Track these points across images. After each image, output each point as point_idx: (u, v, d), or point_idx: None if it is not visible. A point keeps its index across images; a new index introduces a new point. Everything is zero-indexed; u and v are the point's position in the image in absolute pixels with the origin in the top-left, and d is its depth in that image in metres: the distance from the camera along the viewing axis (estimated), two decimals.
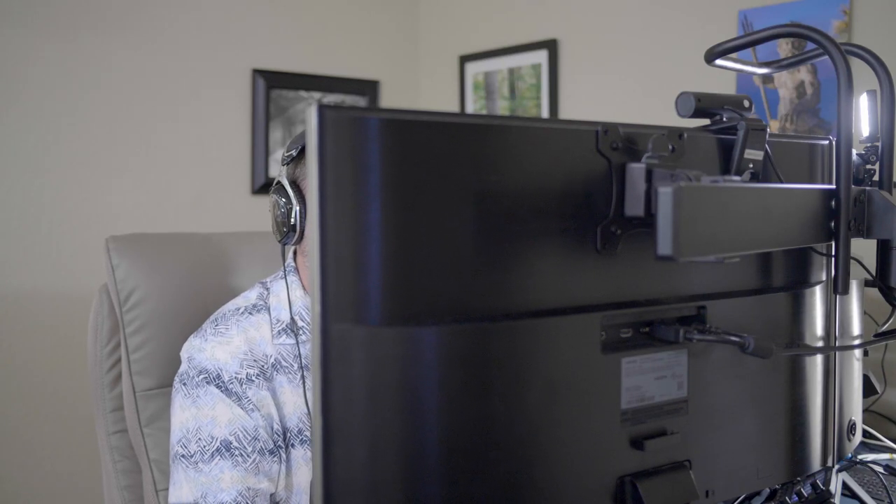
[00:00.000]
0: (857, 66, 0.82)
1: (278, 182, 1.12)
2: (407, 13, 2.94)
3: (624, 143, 0.64)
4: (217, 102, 2.48)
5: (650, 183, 0.61)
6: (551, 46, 2.49)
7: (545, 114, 2.54)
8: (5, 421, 2.14)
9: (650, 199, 0.61)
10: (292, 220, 1.11)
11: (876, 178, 1.12)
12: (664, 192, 0.54)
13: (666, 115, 1.97)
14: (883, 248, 0.81)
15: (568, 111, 2.49)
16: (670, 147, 0.65)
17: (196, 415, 1.07)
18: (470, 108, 2.78)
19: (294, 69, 2.64)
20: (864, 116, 1.17)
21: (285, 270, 1.19)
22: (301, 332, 1.15)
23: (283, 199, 1.10)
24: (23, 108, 2.15)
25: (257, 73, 2.55)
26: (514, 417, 0.58)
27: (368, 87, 2.82)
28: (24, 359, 2.16)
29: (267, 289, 1.20)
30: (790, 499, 0.84)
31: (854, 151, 0.91)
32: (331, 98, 2.74)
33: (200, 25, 2.44)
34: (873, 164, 1.14)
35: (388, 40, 2.89)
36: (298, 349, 1.14)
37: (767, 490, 0.86)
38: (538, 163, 0.60)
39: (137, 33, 2.32)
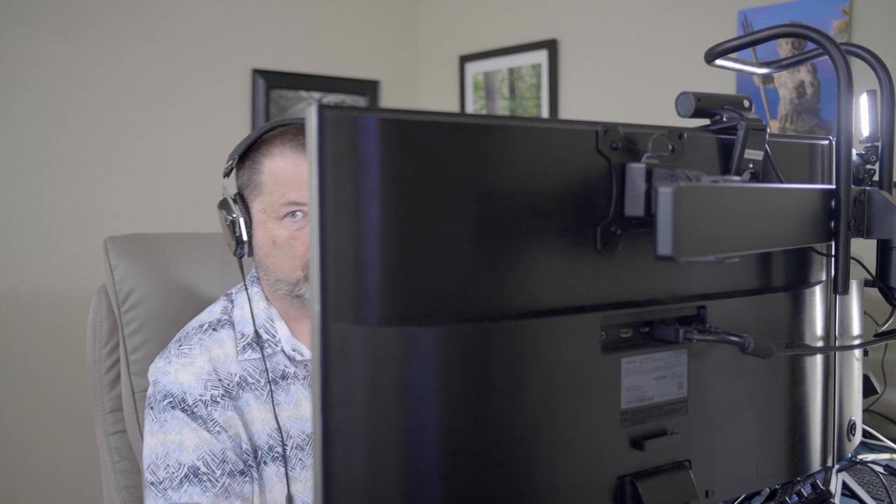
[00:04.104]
0: (857, 66, 0.82)
1: (224, 196, 1.12)
2: (407, 13, 2.94)
3: (624, 143, 0.64)
4: (217, 102, 2.48)
5: (650, 183, 0.61)
6: (551, 46, 2.49)
7: (545, 114, 2.54)
8: (5, 421, 2.14)
9: (650, 199, 0.61)
10: (237, 232, 1.10)
11: (876, 178, 1.12)
12: (664, 192, 0.54)
13: (666, 115, 1.97)
14: (883, 248, 0.81)
15: (568, 111, 2.49)
16: (670, 147, 0.65)
17: (163, 440, 1.06)
18: (470, 108, 2.78)
19: (294, 69, 2.64)
20: (864, 116, 1.17)
21: (245, 283, 1.17)
22: (266, 345, 1.13)
23: (227, 212, 1.10)
24: (22, 108, 2.14)
25: (257, 73, 2.55)
26: (514, 417, 0.58)
27: (368, 87, 2.82)
28: (24, 358, 2.16)
29: (231, 301, 1.18)
30: (790, 499, 0.84)
31: (854, 151, 0.91)
32: (331, 98, 2.74)
33: (200, 25, 2.44)
34: (873, 164, 1.14)
35: (388, 40, 2.89)
36: (264, 363, 1.11)
37: (767, 490, 0.86)
38: (538, 163, 0.60)
39: (137, 33, 2.32)
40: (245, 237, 1.11)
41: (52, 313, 2.19)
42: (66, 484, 2.21)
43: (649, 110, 2.23)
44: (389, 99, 2.88)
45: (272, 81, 2.58)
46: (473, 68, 2.76)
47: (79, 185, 2.23)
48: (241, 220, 1.10)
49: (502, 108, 2.68)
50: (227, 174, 1.13)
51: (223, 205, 1.12)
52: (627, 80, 2.32)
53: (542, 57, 2.53)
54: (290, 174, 1.08)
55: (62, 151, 2.21)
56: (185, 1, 2.41)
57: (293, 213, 1.08)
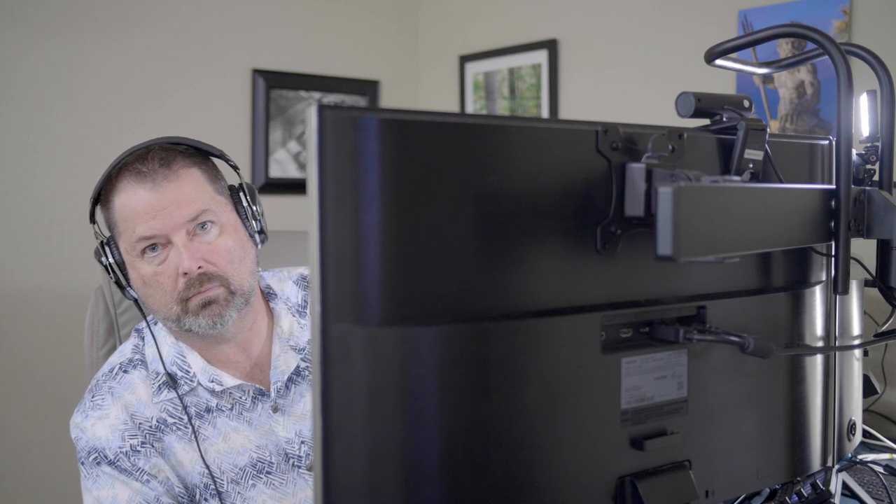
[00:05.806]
0: (857, 66, 0.82)
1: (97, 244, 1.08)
2: (407, 13, 2.94)
3: (624, 143, 0.64)
4: (217, 102, 2.48)
5: (650, 183, 0.61)
6: (551, 46, 2.49)
7: (545, 114, 2.53)
8: (4, 420, 2.14)
9: (650, 199, 0.61)
10: (113, 278, 1.07)
11: (876, 178, 1.12)
12: (664, 192, 0.54)
13: (666, 115, 1.97)
14: (883, 248, 0.81)
15: (568, 111, 2.49)
16: (670, 147, 0.65)
17: (98, 497, 1.04)
18: (470, 108, 2.78)
19: (294, 69, 2.64)
20: (864, 116, 1.17)
21: (148, 323, 1.13)
22: (182, 382, 1.09)
23: (101, 257, 1.07)
24: (21, 108, 2.14)
25: (257, 73, 2.55)
26: (513, 417, 0.58)
27: (368, 87, 2.82)
28: (24, 358, 2.16)
29: (142, 338, 1.14)
30: (790, 499, 0.84)
31: (854, 151, 0.91)
32: (331, 98, 2.74)
33: (200, 25, 2.44)
34: (873, 164, 1.14)
35: (388, 40, 2.89)
36: (182, 402, 1.08)
37: (767, 490, 0.86)
38: (538, 163, 0.60)
39: (138, 33, 2.32)
40: (124, 281, 1.07)
41: (53, 313, 2.19)
42: (63, 483, 2.21)
43: (649, 110, 2.23)
44: (389, 99, 2.88)
45: (272, 81, 2.58)
46: (473, 68, 2.76)
47: (78, 186, 2.23)
48: (115, 265, 1.06)
49: (502, 108, 2.68)
50: (91, 219, 1.08)
51: (97, 252, 1.08)
52: (627, 80, 2.32)
53: (542, 57, 2.53)
54: (134, 208, 1.02)
55: (62, 152, 2.21)
56: (185, 1, 2.41)
57: (152, 248, 1.03)
